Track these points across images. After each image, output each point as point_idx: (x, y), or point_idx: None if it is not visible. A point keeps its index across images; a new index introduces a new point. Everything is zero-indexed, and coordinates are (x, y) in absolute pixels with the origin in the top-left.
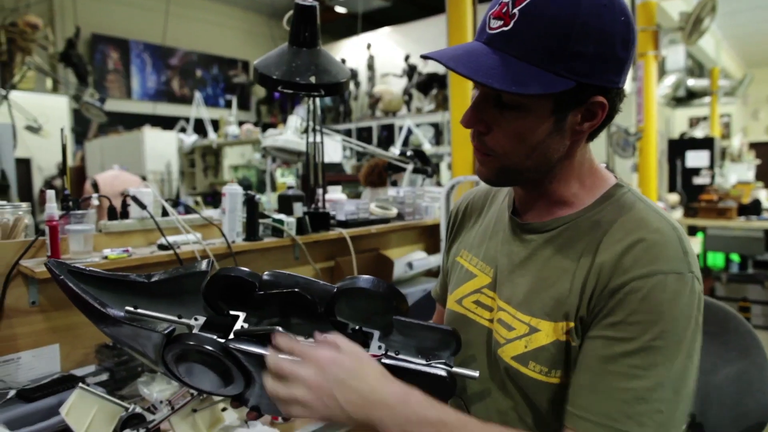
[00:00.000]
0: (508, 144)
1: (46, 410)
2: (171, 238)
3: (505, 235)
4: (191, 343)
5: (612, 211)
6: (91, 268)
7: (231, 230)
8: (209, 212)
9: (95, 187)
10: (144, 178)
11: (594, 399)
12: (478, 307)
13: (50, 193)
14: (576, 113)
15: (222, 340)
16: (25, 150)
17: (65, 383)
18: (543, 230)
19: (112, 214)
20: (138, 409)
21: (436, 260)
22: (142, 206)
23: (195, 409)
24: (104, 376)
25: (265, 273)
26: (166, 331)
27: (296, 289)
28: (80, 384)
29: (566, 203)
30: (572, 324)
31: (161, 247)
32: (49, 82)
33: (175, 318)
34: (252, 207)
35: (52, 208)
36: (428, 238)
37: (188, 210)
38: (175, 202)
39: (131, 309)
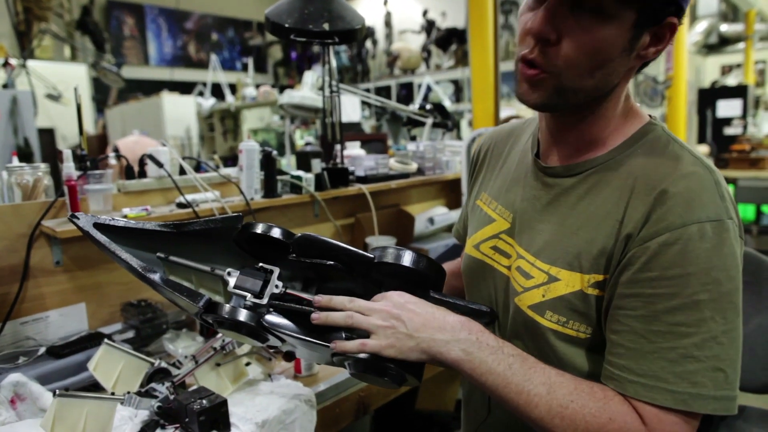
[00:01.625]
0: (577, 57)
1: (75, 366)
2: (189, 197)
3: (527, 178)
4: (227, 317)
5: (644, 152)
6: (117, 218)
7: (249, 187)
8: (227, 170)
9: (116, 152)
10: (164, 145)
11: (639, 360)
12: (496, 253)
13: (66, 153)
14: (649, 33)
15: (256, 315)
16: (47, 119)
17: (92, 340)
18: (568, 174)
19: (130, 173)
20: (163, 364)
21: (457, 215)
22: (159, 164)
23: (219, 363)
24: (130, 334)
25: (300, 234)
26: (200, 304)
27: (334, 263)
28: (105, 340)
29: (597, 143)
30: (599, 277)
31: (180, 205)
32: (67, 51)
33: (207, 268)
34: (270, 163)
35: (70, 167)
36: (449, 193)
37: (207, 169)
38: (197, 164)
39: (162, 256)
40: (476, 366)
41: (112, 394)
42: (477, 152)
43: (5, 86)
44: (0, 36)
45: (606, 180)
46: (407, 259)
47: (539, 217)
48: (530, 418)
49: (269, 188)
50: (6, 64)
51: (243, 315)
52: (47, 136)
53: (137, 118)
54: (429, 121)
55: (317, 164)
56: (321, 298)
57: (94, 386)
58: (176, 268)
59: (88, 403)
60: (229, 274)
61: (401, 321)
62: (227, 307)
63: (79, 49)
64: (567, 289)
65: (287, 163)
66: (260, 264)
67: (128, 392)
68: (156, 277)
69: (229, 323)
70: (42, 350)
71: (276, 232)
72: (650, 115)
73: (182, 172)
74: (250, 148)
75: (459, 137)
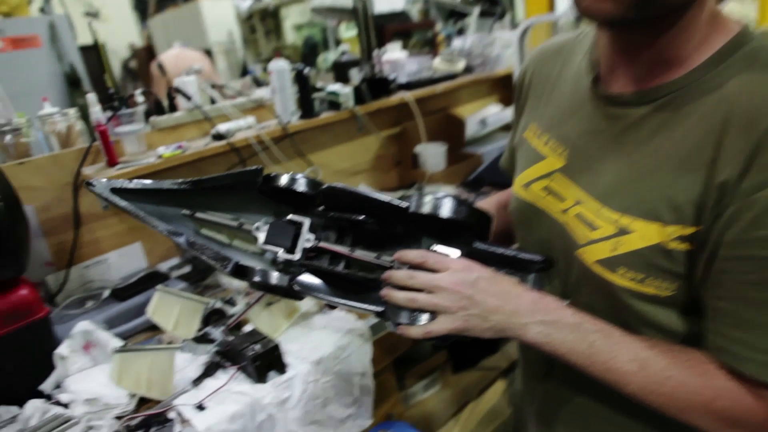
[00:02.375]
0: None
1: (139, 307)
2: (224, 126)
3: (584, 108)
4: (258, 281)
5: (739, 71)
6: (136, 181)
7: (284, 110)
8: (260, 92)
9: (161, 68)
10: (208, 52)
11: (756, 333)
12: (549, 196)
13: (90, 97)
14: None
15: (288, 277)
16: (90, 35)
17: (152, 280)
18: (638, 103)
19: (160, 108)
20: (218, 304)
21: (512, 113)
22: (187, 97)
23: (270, 303)
24: (187, 269)
25: (326, 186)
26: (228, 270)
27: (364, 217)
28: (158, 287)
29: (675, 62)
30: (687, 230)
31: (215, 137)
32: None
33: (234, 223)
34: (303, 82)
35: (96, 112)
36: (502, 89)
37: (257, 82)
38: (244, 71)
39: (187, 212)
40: (557, 347)
41: (169, 343)
42: (522, 76)
43: (42, 10)
44: None
45: (688, 109)
46: (447, 208)
47: (602, 154)
48: (623, 394)
49: (306, 108)
50: None
51: (275, 278)
52: (93, 54)
53: (178, 26)
54: (475, 11)
55: (356, 74)
56: (386, 275)
57: (155, 327)
58: (206, 222)
59: (147, 355)
60: (257, 228)
61: (473, 302)
62: (258, 271)
63: None
64: (643, 242)
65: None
66: (289, 216)
67: (184, 340)
68: (182, 240)
69: (260, 286)
70: (107, 293)
71: (300, 185)
72: (741, 22)
73: (214, 100)
74: (279, 68)
75: (514, 23)
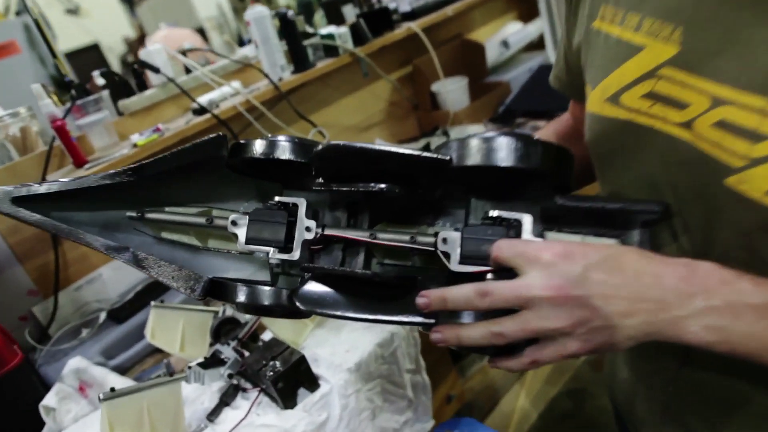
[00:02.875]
0: None
1: (139, 328)
2: (206, 97)
3: None
4: (242, 301)
5: None
6: (48, 183)
7: (273, 66)
8: (243, 50)
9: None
10: (201, 31)
11: None
12: (656, 105)
13: (35, 89)
14: None
15: (287, 291)
16: (80, 37)
17: (151, 294)
18: None
19: (127, 89)
20: (228, 311)
21: (536, 29)
22: (155, 69)
23: None
24: None
25: (324, 145)
26: (197, 294)
27: (385, 186)
28: (153, 303)
29: None
30: None
31: (197, 112)
32: None
33: (201, 220)
34: (289, 28)
35: (47, 105)
36: (520, 3)
37: (240, 41)
38: (241, 42)
39: (133, 214)
40: (736, 345)
41: (171, 374)
42: None
43: (18, 14)
44: None
45: None
46: (507, 152)
47: (748, 20)
48: None
49: (298, 60)
50: None
51: (267, 296)
52: (92, 54)
53: (167, 8)
54: None
55: (351, 11)
56: (427, 299)
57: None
58: (162, 224)
59: (142, 396)
60: (234, 223)
61: (592, 309)
62: (240, 288)
63: None
64: None
65: None
66: (277, 198)
67: (189, 366)
68: (127, 256)
69: (249, 308)
70: (102, 316)
71: (284, 150)
72: None
73: (188, 70)
74: (257, 16)
75: None
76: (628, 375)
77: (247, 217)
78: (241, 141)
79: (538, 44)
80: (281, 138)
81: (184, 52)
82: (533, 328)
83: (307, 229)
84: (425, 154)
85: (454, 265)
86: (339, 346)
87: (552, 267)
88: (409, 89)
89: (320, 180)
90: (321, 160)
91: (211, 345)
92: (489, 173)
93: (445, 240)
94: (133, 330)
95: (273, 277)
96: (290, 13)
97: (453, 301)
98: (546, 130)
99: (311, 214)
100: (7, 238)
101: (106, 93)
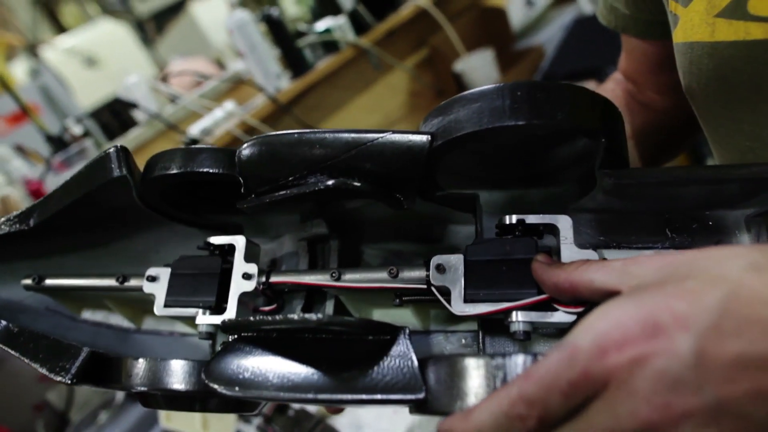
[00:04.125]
0: None
1: None
2: (198, 125)
3: None
4: (125, 384)
5: None
6: None
7: (267, 76)
8: (233, 66)
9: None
10: (219, 60)
11: None
12: None
13: (1, 150)
14: None
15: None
16: (106, 86)
17: None
18: None
19: (108, 132)
20: None
21: None
22: (132, 105)
23: None
24: None
25: (246, 144)
26: (67, 379)
27: (323, 184)
28: None
29: None
30: None
31: (189, 145)
32: (91, 9)
33: (111, 282)
34: (278, 30)
35: (17, 168)
36: None
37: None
38: None
39: (28, 282)
40: None
41: None
42: None
43: (34, 75)
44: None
45: None
46: (509, 102)
47: None
48: None
49: (294, 64)
50: (32, 53)
51: (176, 375)
52: (117, 108)
53: (182, 41)
54: None
55: (348, 1)
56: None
57: None
58: (64, 292)
59: None
60: (152, 279)
61: (734, 419)
62: (135, 366)
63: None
64: None
65: None
66: (208, 240)
67: None
68: None
69: (153, 401)
70: (121, 394)
71: (200, 162)
72: None
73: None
74: (238, 23)
75: None
76: None
77: (169, 270)
78: (154, 154)
79: None
80: (189, 149)
81: (164, 79)
82: None
83: (246, 276)
84: (391, 134)
85: (457, 306)
86: (384, 413)
87: (638, 364)
88: (429, 74)
89: (251, 198)
90: (248, 166)
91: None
92: (495, 148)
93: (439, 267)
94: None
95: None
96: (275, 12)
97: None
98: None
99: (256, 258)
100: None
101: (89, 142)
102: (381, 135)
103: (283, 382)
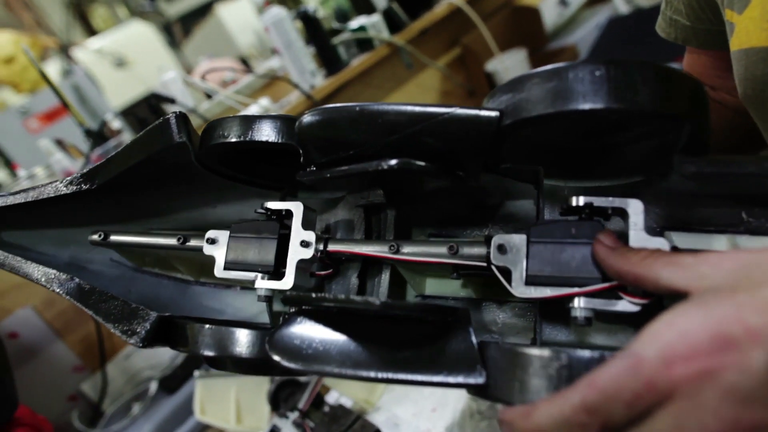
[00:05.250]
0: None
1: (191, 397)
2: None
3: None
4: (191, 350)
5: None
6: None
7: (302, 73)
8: (269, 63)
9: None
10: (244, 61)
11: None
12: None
13: (44, 144)
14: None
15: (260, 338)
16: (135, 86)
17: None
18: None
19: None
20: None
21: None
22: (170, 100)
23: None
24: None
25: (307, 113)
26: (138, 341)
27: (387, 164)
28: (196, 374)
29: None
30: None
31: None
32: (121, 12)
33: (173, 242)
34: (314, 28)
35: (58, 161)
36: None
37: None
38: None
39: (95, 238)
40: None
41: None
42: None
43: (66, 74)
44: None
45: None
46: (590, 86)
47: None
48: None
49: (329, 62)
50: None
51: (242, 344)
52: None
53: (209, 42)
54: None
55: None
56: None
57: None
58: (130, 248)
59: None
60: (210, 241)
61: None
62: (203, 332)
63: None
64: None
65: None
66: (266, 205)
67: None
68: (70, 287)
69: (220, 363)
70: (154, 386)
71: (259, 130)
72: None
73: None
74: (275, 19)
75: None
76: None
77: (228, 233)
78: (213, 121)
79: None
80: (251, 117)
81: (202, 77)
82: None
83: (304, 244)
84: (458, 109)
85: (518, 288)
86: (423, 403)
87: (708, 377)
88: (461, 74)
89: (312, 168)
90: (307, 136)
91: (271, 412)
92: (566, 131)
93: (501, 247)
94: (186, 400)
95: (273, 317)
96: (311, 8)
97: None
98: None
99: (312, 225)
100: (43, 314)
101: (127, 135)
102: (448, 110)
103: (344, 359)
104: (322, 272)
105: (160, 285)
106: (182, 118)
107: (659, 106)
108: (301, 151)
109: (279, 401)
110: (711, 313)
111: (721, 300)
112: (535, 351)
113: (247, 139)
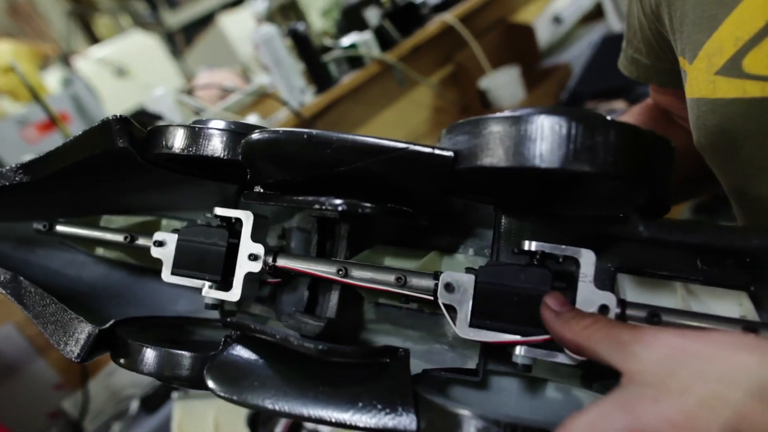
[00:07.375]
0: None
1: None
2: None
3: None
4: (123, 362)
5: None
6: None
7: (291, 90)
8: (258, 79)
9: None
10: (245, 71)
11: None
12: None
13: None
14: None
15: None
16: (136, 96)
17: None
18: None
19: None
20: None
21: None
22: (156, 117)
23: None
24: None
25: (254, 134)
26: (73, 354)
27: (329, 203)
28: (174, 396)
29: None
30: None
31: None
32: (124, 21)
33: (119, 239)
34: (303, 45)
35: None
36: None
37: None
38: None
39: (39, 228)
40: None
41: None
42: None
43: (66, 83)
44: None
45: None
46: (549, 143)
47: None
48: None
49: (319, 79)
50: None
51: (184, 364)
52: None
53: (210, 53)
54: None
55: (374, 15)
56: None
57: None
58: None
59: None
60: (159, 243)
61: None
62: (146, 351)
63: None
64: None
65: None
66: (216, 211)
67: None
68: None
69: (163, 378)
70: (135, 405)
71: (204, 145)
72: None
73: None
74: (265, 37)
75: None
76: None
77: (176, 236)
78: (158, 126)
79: (595, 14)
80: (209, 124)
81: (189, 91)
82: None
83: (252, 257)
84: (411, 146)
85: (462, 329)
86: None
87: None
88: (454, 90)
89: (258, 189)
90: (252, 156)
91: None
92: (522, 180)
93: (448, 286)
94: (166, 420)
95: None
96: (301, 27)
97: None
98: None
99: (264, 234)
100: (24, 330)
101: None
102: (402, 146)
103: (280, 394)
104: (272, 280)
105: (112, 271)
106: (123, 122)
107: (616, 171)
108: (247, 172)
109: (258, 425)
110: (630, 417)
111: (643, 403)
112: (468, 414)
113: (191, 153)
